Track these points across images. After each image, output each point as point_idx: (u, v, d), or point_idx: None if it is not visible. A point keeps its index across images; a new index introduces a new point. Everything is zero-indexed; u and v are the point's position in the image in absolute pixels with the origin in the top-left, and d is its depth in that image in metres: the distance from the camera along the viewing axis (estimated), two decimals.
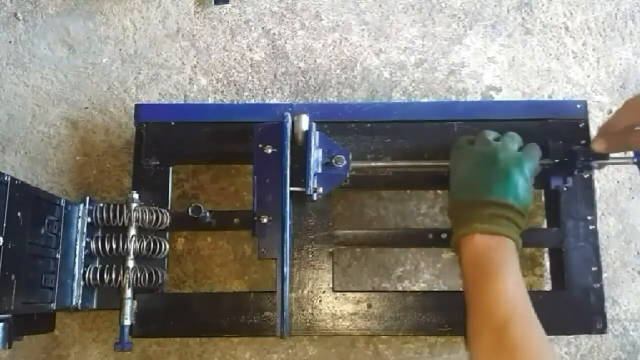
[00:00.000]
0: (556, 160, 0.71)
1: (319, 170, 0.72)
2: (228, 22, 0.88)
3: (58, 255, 0.68)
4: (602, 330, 0.72)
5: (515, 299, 0.58)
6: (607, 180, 0.83)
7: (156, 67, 0.87)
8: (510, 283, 0.59)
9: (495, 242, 0.62)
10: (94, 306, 0.73)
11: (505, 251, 0.62)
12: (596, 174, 0.81)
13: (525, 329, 0.56)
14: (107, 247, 0.71)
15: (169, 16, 0.89)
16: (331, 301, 0.73)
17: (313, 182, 0.70)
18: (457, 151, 0.70)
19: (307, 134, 0.71)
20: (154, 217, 0.72)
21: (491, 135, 0.69)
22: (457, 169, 0.68)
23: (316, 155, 0.71)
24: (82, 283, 0.71)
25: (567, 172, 0.73)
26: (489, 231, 0.62)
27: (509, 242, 0.62)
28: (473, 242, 0.62)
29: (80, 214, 0.72)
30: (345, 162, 0.71)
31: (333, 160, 0.71)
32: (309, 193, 0.70)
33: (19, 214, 0.60)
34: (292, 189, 0.70)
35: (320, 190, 0.71)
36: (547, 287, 0.79)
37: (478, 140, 0.69)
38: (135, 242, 0.71)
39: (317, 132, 0.72)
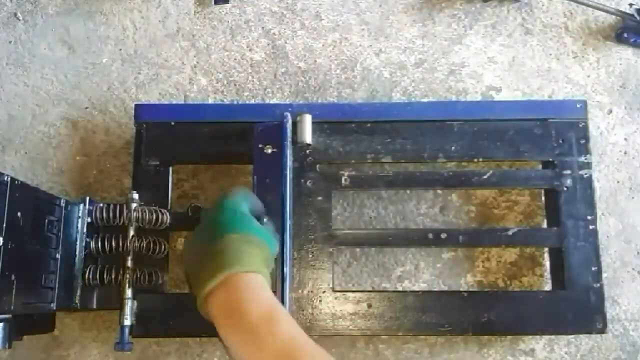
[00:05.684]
0: None
1: None
2: (228, 22, 0.88)
3: (58, 255, 0.68)
4: (602, 330, 0.72)
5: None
6: (607, 180, 0.83)
7: (156, 67, 0.87)
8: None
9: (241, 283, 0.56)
10: (94, 306, 0.73)
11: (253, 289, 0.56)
12: (596, 174, 0.81)
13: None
14: (107, 247, 0.71)
15: (169, 16, 0.89)
16: (331, 301, 0.73)
17: None
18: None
19: None
20: (154, 217, 0.72)
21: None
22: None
23: None
24: (82, 283, 0.71)
25: None
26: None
27: (253, 276, 0.56)
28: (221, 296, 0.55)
29: (80, 214, 0.72)
30: None
31: None
32: None
33: (19, 214, 0.60)
34: None
35: None
36: (547, 287, 0.79)
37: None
38: (135, 242, 0.71)
39: None
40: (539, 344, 0.79)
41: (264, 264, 0.59)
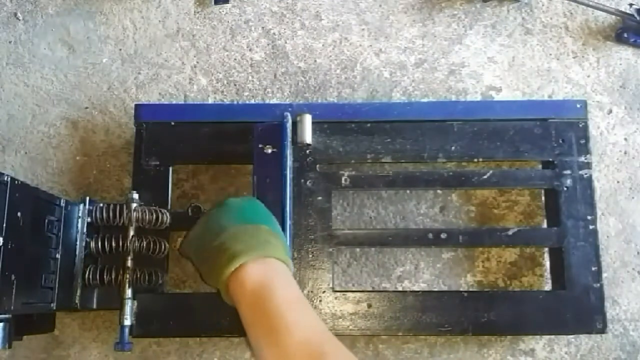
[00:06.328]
0: None
1: None
2: (228, 22, 0.88)
3: (58, 255, 0.68)
4: (602, 330, 0.72)
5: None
6: (607, 180, 0.83)
7: (156, 67, 0.87)
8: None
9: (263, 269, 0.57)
10: (94, 306, 0.73)
11: (277, 274, 0.57)
12: (596, 174, 0.81)
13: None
14: (107, 247, 0.71)
15: (169, 16, 0.89)
16: (331, 301, 0.73)
17: None
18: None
19: None
20: (154, 217, 0.72)
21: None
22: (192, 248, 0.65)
23: None
24: (82, 283, 0.71)
25: None
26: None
27: (275, 263, 0.58)
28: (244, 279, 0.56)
29: (80, 214, 0.72)
30: None
31: None
32: None
33: (19, 214, 0.60)
34: None
35: None
36: (547, 287, 0.79)
37: None
38: (135, 242, 0.71)
39: None
40: (539, 344, 0.79)
41: (287, 255, 0.61)
